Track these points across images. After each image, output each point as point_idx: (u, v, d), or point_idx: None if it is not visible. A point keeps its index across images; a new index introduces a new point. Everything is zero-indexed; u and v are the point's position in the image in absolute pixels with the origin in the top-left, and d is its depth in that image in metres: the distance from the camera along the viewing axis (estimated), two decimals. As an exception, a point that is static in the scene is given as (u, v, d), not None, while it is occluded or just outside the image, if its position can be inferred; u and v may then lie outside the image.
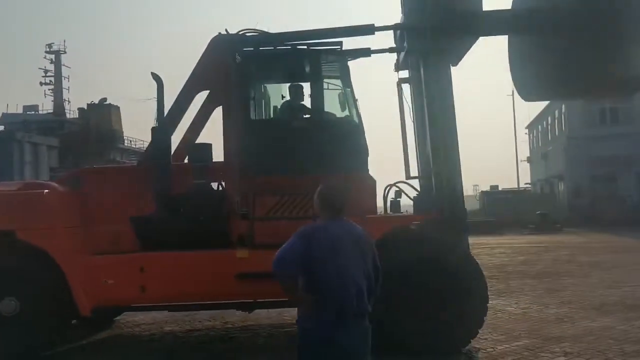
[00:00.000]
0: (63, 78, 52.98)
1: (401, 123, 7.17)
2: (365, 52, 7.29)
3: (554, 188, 37.71)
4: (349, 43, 6.81)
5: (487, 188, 44.78)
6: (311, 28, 7.10)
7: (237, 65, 6.45)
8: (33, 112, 49.52)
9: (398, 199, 6.74)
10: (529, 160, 47.22)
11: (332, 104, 6.93)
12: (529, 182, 46.88)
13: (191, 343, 6.74)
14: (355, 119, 6.48)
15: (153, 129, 6.54)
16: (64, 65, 53.20)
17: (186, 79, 6.70)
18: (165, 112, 6.55)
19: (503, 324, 6.81)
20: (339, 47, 6.56)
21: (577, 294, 8.66)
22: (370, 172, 6.47)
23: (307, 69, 6.53)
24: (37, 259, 5.91)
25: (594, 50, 6.44)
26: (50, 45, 52.82)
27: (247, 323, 7.27)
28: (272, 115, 7.12)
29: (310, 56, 6.49)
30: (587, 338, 5.99)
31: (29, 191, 6.27)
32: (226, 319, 7.48)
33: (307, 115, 6.58)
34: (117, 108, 46.34)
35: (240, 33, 6.62)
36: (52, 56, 52.92)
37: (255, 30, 6.69)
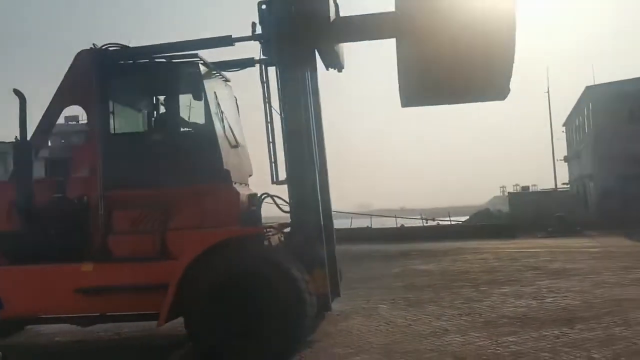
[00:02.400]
0: (103, 90, 54.83)
1: (267, 127, 6.95)
2: (250, 62, 7.34)
3: (586, 188, 36.08)
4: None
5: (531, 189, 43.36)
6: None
7: (97, 80, 6.58)
8: (74, 122, 51.70)
9: (256, 209, 6.64)
10: (566, 159, 45.30)
11: (195, 116, 6.95)
12: (567, 182, 45.03)
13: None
14: (210, 130, 6.46)
15: (15, 144, 6.72)
16: (104, 77, 55.03)
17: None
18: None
19: (370, 337, 6.57)
20: (196, 59, 6.59)
21: (490, 305, 8.25)
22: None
23: (162, 82, 6.56)
24: None
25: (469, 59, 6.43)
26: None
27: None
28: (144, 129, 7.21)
29: (163, 69, 6.56)
30: (429, 355, 5.71)
31: None
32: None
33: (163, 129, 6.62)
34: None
35: (103, 48, 6.74)
36: (93, 69, 54.90)
37: (117, 44, 6.79)
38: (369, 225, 29.32)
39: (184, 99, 6.77)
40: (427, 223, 31.27)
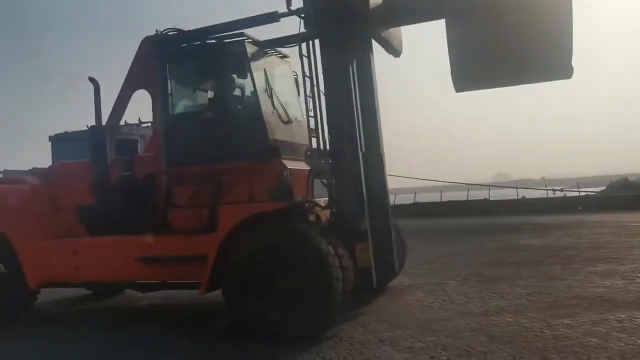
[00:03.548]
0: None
1: (307, 101, 6.88)
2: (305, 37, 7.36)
3: None
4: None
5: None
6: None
7: (157, 64, 7.03)
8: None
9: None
10: None
11: (248, 94, 7.10)
12: None
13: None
14: (256, 108, 6.62)
15: (90, 128, 7.41)
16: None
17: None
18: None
19: (416, 313, 6.43)
20: (242, 37, 6.78)
21: (569, 285, 7.61)
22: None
23: (211, 62, 6.82)
24: (3, 241, 7.22)
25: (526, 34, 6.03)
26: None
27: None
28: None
29: (211, 50, 6.83)
30: (466, 334, 5.45)
31: (-5, 186, 7.66)
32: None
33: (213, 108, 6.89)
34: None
35: (163, 32, 7.16)
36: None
37: (175, 29, 7.18)
38: (487, 197, 28.04)
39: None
40: (554, 194, 29.13)
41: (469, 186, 29.67)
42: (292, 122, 7.19)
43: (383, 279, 7.27)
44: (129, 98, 7.49)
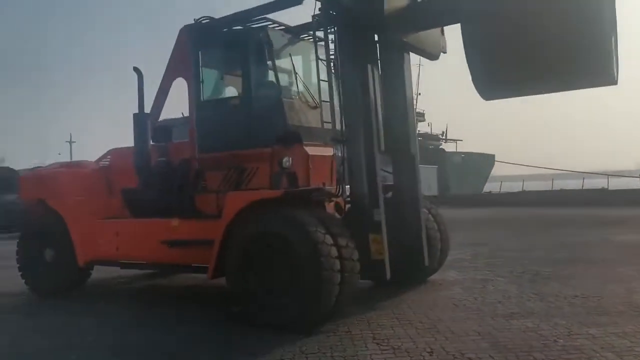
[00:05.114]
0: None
1: (319, 85, 6.86)
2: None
3: None
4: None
5: None
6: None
7: (190, 52, 7.20)
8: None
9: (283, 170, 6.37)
10: None
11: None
12: None
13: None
14: (276, 93, 6.56)
15: (134, 115, 7.76)
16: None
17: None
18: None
19: (433, 312, 5.98)
20: (265, 23, 6.76)
21: (630, 290, 6.70)
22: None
23: (236, 49, 6.86)
24: (59, 221, 7.84)
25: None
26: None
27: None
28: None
29: (236, 37, 6.88)
30: (470, 337, 4.99)
31: (54, 170, 8.32)
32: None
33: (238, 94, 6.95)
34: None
35: (196, 21, 7.31)
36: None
37: (208, 17, 7.29)
38: (605, 187, 25.56)
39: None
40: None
41: (584, 175, 27.32)
42: (318, 107, 6.99)
43: (409, 272, 6.92)
44: (169, 86, 7.74)
